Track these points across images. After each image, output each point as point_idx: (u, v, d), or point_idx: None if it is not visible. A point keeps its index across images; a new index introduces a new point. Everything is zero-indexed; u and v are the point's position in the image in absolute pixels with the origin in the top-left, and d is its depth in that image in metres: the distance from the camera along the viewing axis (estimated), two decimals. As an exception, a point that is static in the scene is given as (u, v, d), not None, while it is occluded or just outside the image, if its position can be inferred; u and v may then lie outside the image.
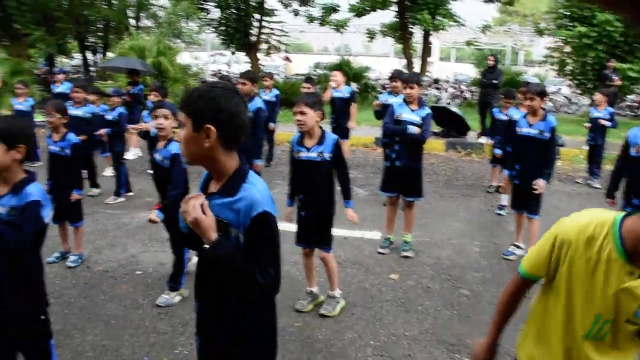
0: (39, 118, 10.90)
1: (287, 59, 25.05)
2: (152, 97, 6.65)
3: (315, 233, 4.21)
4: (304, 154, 4.07)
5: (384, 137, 6.31)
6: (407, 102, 5.43)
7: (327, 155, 4.03)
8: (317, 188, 4.11)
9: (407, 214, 5.69)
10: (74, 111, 7.36)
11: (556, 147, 5.80)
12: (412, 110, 5.36)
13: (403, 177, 5.46)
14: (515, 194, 5.69)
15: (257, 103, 6.16)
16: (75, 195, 5.15)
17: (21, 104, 9.40)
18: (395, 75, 7.23)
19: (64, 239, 5.39)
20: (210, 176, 2.00)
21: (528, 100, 5.42)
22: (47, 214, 2.66)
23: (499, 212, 7.27)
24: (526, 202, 5.49)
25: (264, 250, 1.84)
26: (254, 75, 6.66)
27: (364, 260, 5.45)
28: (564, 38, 17.23)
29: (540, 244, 1.87)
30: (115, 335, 3.94)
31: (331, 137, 4.07)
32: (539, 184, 5.23)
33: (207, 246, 1.81)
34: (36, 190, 2.60)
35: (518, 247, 5.68)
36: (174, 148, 4.33)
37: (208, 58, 30.06)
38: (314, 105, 3.97)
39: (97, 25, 22.45)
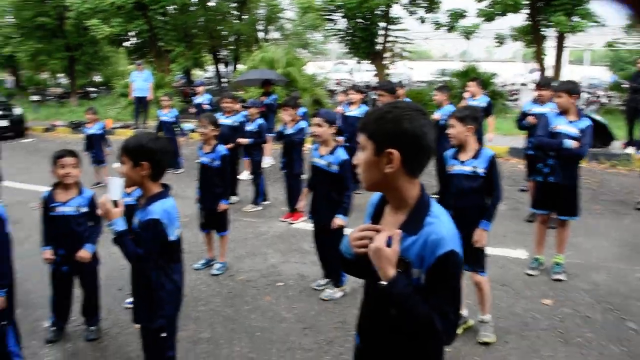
0: (183, 127, 11.55)
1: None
2: (283, 113, 6.79)
3: (466, 254, 3.98)
4: (457, 168, 3.89)
5: (535, 150, 5.89)
6: (563, 112, 5.01)
7: (480, 171, 3.82)
8: (468, 205, 3.88)
9: (560, 234, 5.24)
10: (224, 120, 7.69)
11: None
12: (570, 122, 4.94)
13: (557, 194, 5.04)
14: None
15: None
16: (222, 205, 5.32)
17: (166, 115, 10.04)
18: (543, 84, 6.77)
19: (210, 246, 5.60)
20: (383, 201, 1.85)
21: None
22: (172, 231, 2.74)
23: None
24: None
25: (447, 293, 1.66)
26: (392, 86, 6.54)
27: (512, 281, 5.09)
28: None
29: None
30: (261, 348, 3.97)
31: (488, 152, 3.85)
32: None
33: (383, 282, 1.64)
34: (158, 209, 2.69)
35: (691, 275, 5.03)
36: (342, 154, 4.61)
37: (332, 67, 30.53)
38: (464, 118, 3.79)
39: (229, 39, 23.60)
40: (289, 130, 6.80)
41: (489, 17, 16.40)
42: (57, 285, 4.15)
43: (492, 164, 3.81)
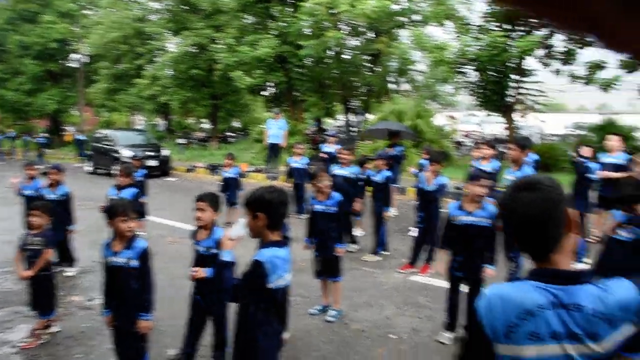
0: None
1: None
2: (431, 167, 6.88)
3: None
4: None
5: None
6: None
7: None
8: None
9: None
10: (340, 171, 7.92)
11: None
12: None
13: None
14: None
15: (526, 170, 5.98)
16: (339, 249, 5.48)
17: (297, 162, 10.53)
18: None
19: (325, 293, 5.73)
20: None
21: None
22: (273, 279, 2.83)
23: None
24: None
25: None
26: (525, 142, 6.40)
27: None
28: None
29: None
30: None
31: None
32: None
33: None
34: (267, 253, 2.84)
35: None
36: (493, 207, 4.77)
37: (461, 119, 30.16)
38: None
39: (361, 90, 24.33)
40: (430, 187, 6.86)
41: (631, 68, 15.48)
42: (192, 313, 4.45)
43: None
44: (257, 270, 2.82)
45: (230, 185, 9.84)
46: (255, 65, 19.72)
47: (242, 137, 30.43)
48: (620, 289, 1.57)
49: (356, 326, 5.36)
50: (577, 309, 1.54)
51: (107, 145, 19.18)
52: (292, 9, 20.28)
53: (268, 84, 22.56)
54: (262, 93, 24.72)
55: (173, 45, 25.39)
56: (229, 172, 9.91)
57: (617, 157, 7.77)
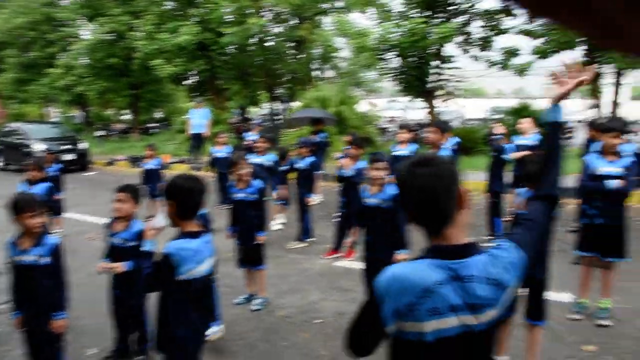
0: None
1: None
2: (352, 151, 6.99)
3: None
4: None
5: (582, 195, 5.77)
6: (604, 152, 4.95)
7: None
8: None
9: (605, 277, 5.10)
10: (256, 159, 7.91)
11: None
12: (610, 162, 4.86)
13: (603, 236, 4.94)
14: None
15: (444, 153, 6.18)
16: (261, 237, 5.47)
17: (220, 151, 10.38)
18: (594, 125, 6.67)
19: (249, 282, 5.72)
20: None
21: None
22: (185, 270, 2.83)
23: None
24: None
25: None
26: (445, 125, 6.63)
27: (554, 325, 4.96)
28: None
29: None
30: (295, 383, 4.03)
31: None
32: None
33: None
34: (176, 245, 2.84)
35: None
36: (393, 189, 4.71)
37: (385, 105, 30.70)
38: None
39: (285, 78, 24.28)
40: (348, 172, 6.94)
41: (543, 54, 16.28)
42: (114, 308, 4.39)
43: None
44: (165, 262, 2.80)
45: (152, 177, 9.57)
46: (176, 53, 19.22)
47: (164, 127, 29.59)
48: (504, 251, 1.70)
49: (282, 313, 5.40)
50: (471, 280, 1.62)
51: (18, 139, 18.16)
52: (213, -5, 19.88)
53: (190, 72, 22.05)
54: (184, 82, 24.15)
55: (88, 32, 24.30)
56: (150, 164, 9.64)
57: (529, 138, 8.15)
